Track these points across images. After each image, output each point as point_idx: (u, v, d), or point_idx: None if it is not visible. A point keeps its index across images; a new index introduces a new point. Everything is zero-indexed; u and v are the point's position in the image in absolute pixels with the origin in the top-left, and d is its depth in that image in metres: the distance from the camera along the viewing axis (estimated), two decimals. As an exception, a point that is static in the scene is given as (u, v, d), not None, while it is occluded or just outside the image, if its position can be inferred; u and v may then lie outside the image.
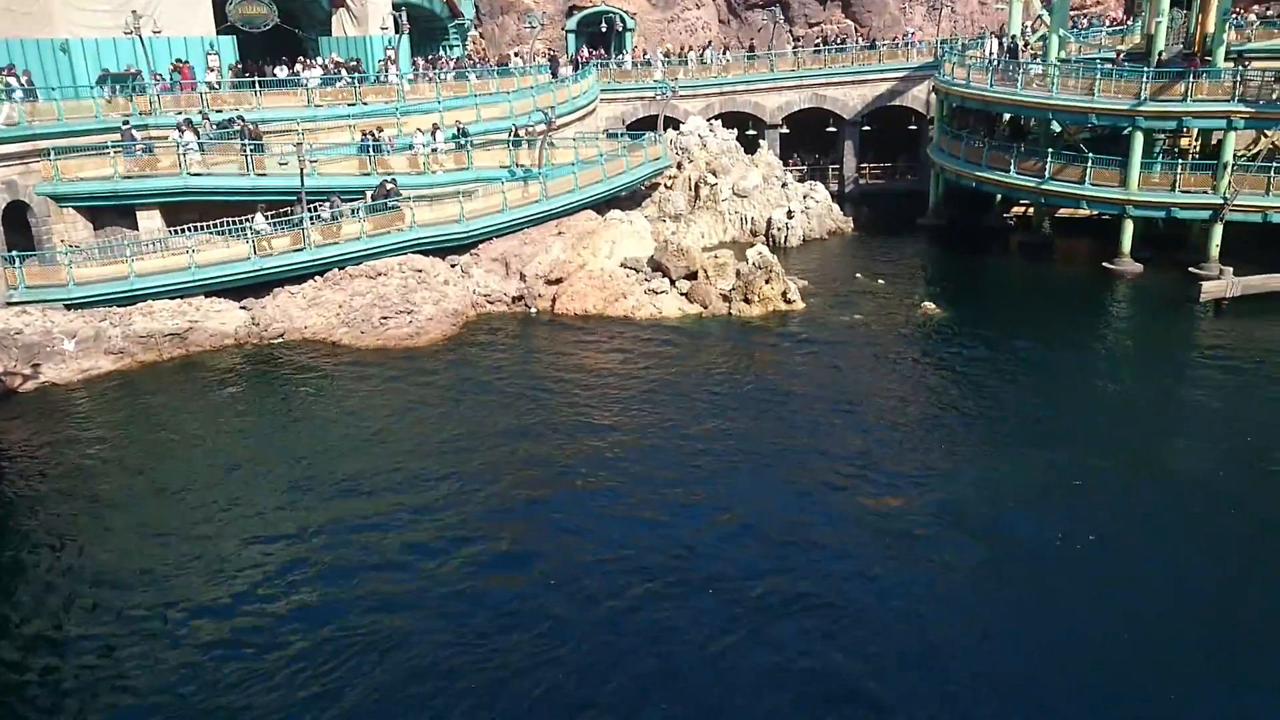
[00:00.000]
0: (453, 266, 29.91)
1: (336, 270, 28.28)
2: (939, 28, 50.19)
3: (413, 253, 29.12)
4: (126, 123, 29.87)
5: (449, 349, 26.41)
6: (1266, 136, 34.35)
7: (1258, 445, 19.87)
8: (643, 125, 42.05)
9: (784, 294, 29.31)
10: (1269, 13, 43.17)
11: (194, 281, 27.23)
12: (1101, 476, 18.75)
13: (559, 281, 29.78)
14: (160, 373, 25.15)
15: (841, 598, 14.90)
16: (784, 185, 39.68)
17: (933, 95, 42.12)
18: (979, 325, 27.60)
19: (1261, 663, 13.39)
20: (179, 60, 33.05)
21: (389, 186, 29.72)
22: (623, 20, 50.78)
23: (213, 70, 33.36)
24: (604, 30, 50.41)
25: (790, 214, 37.87)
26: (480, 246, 30.85)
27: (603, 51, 48.32)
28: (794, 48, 47.28)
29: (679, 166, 38.64)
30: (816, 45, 47.96)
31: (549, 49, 49.43)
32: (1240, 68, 32.04)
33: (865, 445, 20.13)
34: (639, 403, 22.44)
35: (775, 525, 17.01)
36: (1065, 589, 15.09)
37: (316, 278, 28.32)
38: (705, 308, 29.05)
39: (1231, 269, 29.69)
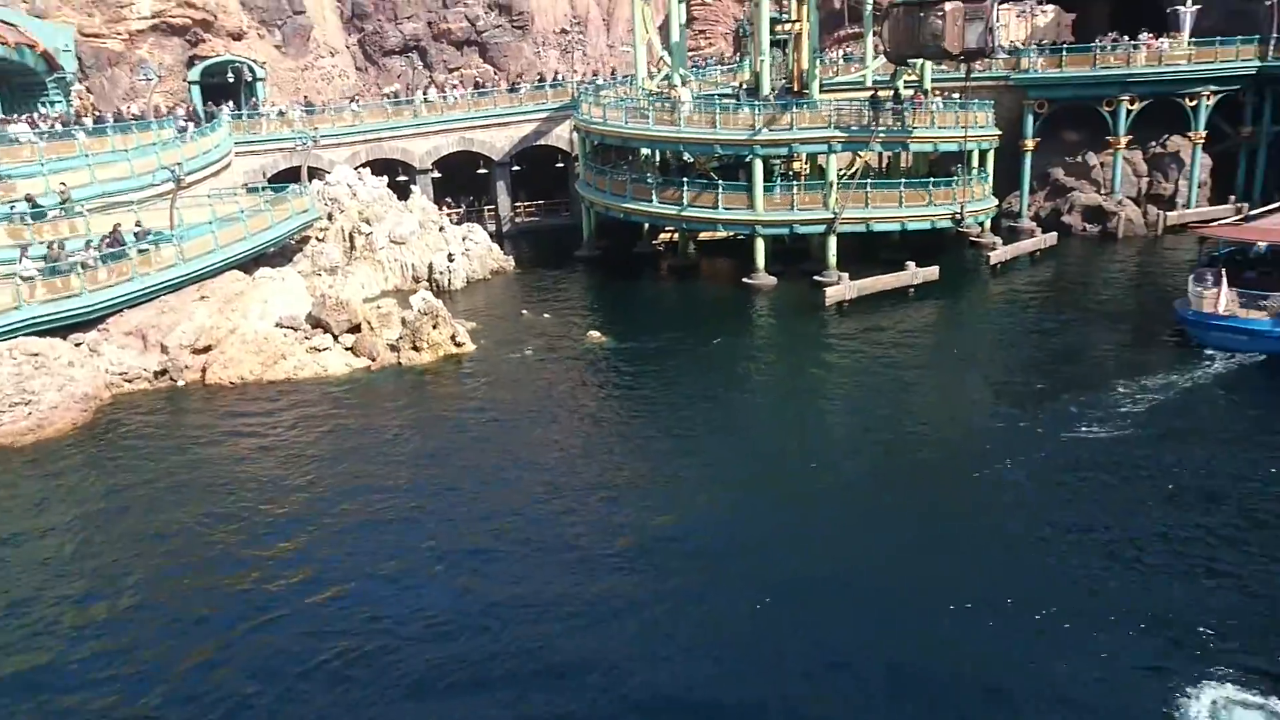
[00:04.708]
0: (78, 345, 26.67)
1: (-74, 364, 24.21)
2: (573, 70, 52.56)
3: (25, 334, 25.62)
4: None
5: (81, 439, 23.44)
6: (860, 157, 39.29)
7: (882, 417, 22.59)
8: (286, 177, 40.07)
9: (453, 337, 29.12)
10: (848, 50, 49.64)
11: None
12: (752, 474, 20.41)
13: (208, 349, 27.53)
14: None
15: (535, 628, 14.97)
16: (441, 229, 39.50)
17: (575, 134, 43.96)
18: (641, 347, 29.03)
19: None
20: None
21: (118, 234, 27.59)
22: (251, 70, 48.19)
23: None
24: (232, 80, 47.57)
25: (451, 257, 37.76)
26: (110, 320, 27.74)
27: (232, 104, 45.48)
28: (439, 93, 47.29)
29: (330, 217, 37.30)
30: (460, 91, 48.37)
31: (173, 103, 45.81)
32: (836, 101, 36.38)
33: (543, 472, 20.49)
34: (310, 471, 21.21)
35: (469, 567, 16.80)
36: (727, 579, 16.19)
37: (-101, 376, 24.06)
38: (373, 360, 28.14)
39: (848, 274, 33.54)
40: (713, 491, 19.64)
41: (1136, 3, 46.86)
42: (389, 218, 38.20)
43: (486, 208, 47.31)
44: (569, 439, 22.70)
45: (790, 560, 16.82)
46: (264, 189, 36.56)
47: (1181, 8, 40.70)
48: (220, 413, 24.90)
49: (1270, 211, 30.88)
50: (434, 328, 28.70)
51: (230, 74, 46.75)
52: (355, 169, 40.59)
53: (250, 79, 48.07)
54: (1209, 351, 26.01)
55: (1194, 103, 40.02)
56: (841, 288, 32.59)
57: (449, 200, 46.07)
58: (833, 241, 34.83)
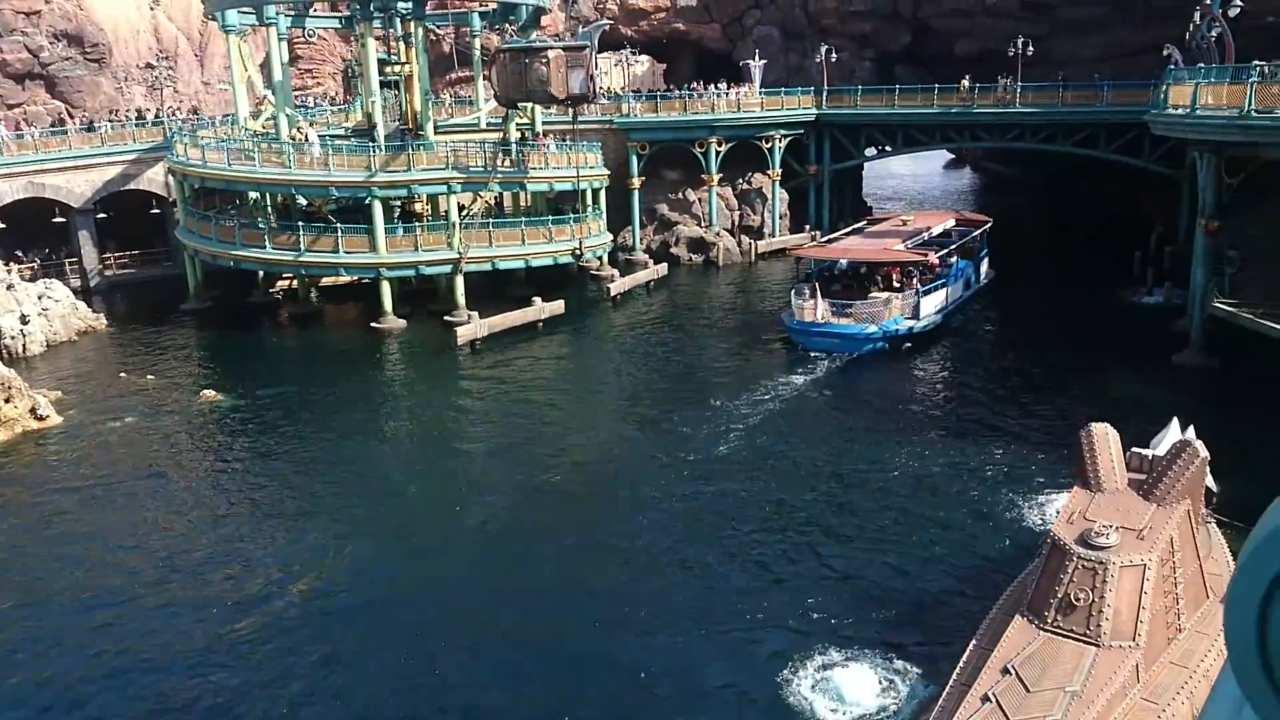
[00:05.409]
0: None
1: None
2: (165, 107, 48.24)
3: None
4: None
5: None
6: (481, 197, 39.76)
7: (521, 454, 22.83)
8: None
9: (33, 410, 25.29)
10: (460, 93, 50.28)
11: None
12: (390, 525, 19.72)
13: None
14: None
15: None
16: (10, 287, 34.20)
17: (171, 177, 40.27)
18: (262, 402, 27.09)
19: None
20: None
21: None
22: None
23: None
24: None
25: (25, 319, 32.80)
26: None
27: None
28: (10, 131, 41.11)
29: None
30: (25, 130, 42.43)
31: None
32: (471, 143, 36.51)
33: (152, 552, 18.29)
34: None
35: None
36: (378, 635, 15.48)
37: None
38: (-76, 446, 23.65)
39: (478, 313, 33.66)
40: (348, 547, 18.56)
41: (715, 56, 52.33)
42: (-62, 277, 32.47)
43: (68, 261, 41.79)
44: (183, 510, 20.45)
45: (439, 607, 16.34)
46: None
47: (752, 62, 45.94)
48: None
49: (844, 234, 35.88)
50: (6, 401, 24.73)
51: None
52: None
53: None
54: (813, 354, 29.37)
55: (769, 144, 45.17)
56: (472, 326, 32.62)
57: (19, 254, 40.15)
58: (460, 281, 34.82)
